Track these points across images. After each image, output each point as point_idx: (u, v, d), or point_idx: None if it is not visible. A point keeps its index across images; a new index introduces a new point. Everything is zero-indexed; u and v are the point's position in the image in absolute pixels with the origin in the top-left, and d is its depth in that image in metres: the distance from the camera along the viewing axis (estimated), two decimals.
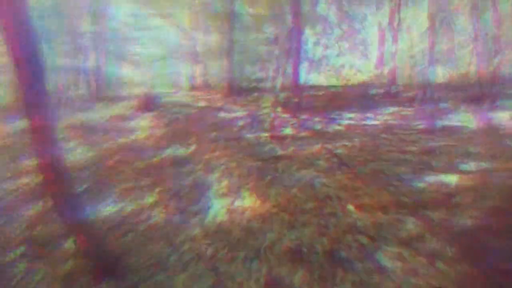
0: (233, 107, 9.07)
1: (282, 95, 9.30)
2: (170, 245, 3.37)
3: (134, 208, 4.15)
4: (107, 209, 4.21)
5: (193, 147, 6.22)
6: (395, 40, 14.91)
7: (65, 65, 12.90)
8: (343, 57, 15.10)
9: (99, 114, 9.25)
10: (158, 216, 3.94)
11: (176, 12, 15.15)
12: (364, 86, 12.43)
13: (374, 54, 16.04)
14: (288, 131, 7.13)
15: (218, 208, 4.04)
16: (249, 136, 6.85)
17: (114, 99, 11.31)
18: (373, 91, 11.08)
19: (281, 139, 6.56)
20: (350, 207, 3.98)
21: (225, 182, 4.69)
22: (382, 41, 15.55)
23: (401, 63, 14.36)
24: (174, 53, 16.53)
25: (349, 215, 3.80)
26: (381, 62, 15.66)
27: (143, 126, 7.75)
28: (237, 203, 4.15)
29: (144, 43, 16.37)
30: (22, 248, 3.52)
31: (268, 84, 11.91)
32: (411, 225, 3.48)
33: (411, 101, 9.31)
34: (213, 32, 15.29)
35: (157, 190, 4.55)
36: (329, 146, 6.13)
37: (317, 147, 6.08)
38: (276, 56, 13.51)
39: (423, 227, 3.41)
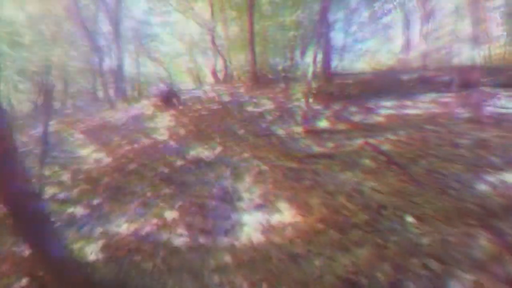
0: (261, 100, 8.30)
1: (313, 84, 8.45)
2: (195, 278, 2.68)
3: (152, 228, 3.50)
4: (121, 229, 3.58)
5: (219, 148, 5.53)
6: (425, 20, 13.72)
7: (84, 66, 12.64)
8: (368, 42, 14.14)
9: (119, 114, 8.76)
10: (180, 238, 3.27)
11: (195, 5, 14.57)
12: (393, 71, 11.37)
13: (399, 37, 14.97)
14: (323, 123, 6.31)
15: (252, 226, 3.32)
16: (281, 131, 6.08)
17: (135, 98, 10.87)
18: (405, 76, 10.00)
19: (317, 133, 5.75)
20: (410, 218, 3.19)
21: (258, 190, 3.97)
22: (407, 23, 14.41)
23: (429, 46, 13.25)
24: (195, 47, 15.99)
25: (410, 230, 3.01)
26: (407, 45, 14.53)
27: (165, 125, 7.14)
28: (275, 217, 3.42)
29: (164, 39, 15.91)
30: None
31: (295, 73, 11.10)
32: (484, 241, 2.73)
33: (447, 86, 8.23)
34: (233, 23, 14.61)
35: (179, 203, 3.88)
36: (372, 140, 5.29)
37: (359, 142, 5.25)
38: (302, 44, 12.67)
39: (499, 244, 2.65)
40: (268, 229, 3.25)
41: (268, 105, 7.84)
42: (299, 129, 6.03)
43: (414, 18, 14.52)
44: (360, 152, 4.90)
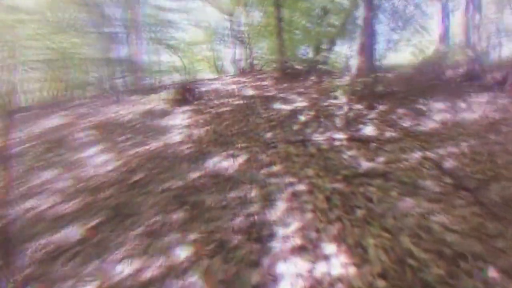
0: (290, 96, 7.31)
1: (352, 79, 7.42)
2: None
3: (158, 272, 2.64)
4: (117, 268, 2.75)
5: (242, 156, 4.62)
6: (468, 8, 12.29)
7: (96, 54, 11.95)
8: (401, 33, 12.85)
9: (132, 109, 7.97)
10: None
11: None
12: (434, 65, 10.13)
13: (436, 27, 13.56)
14: (369, 129, 5.28)
15: (289, 279, 2.42)
16: (318, 137, 5.12)
17: (151, 90, 10.07)
18: (449, 72, 8.80)
19: (363, 142, 4.75)
20: (494, 274, 2.29)
21: (294, 222, 3.04)
22: (444, 12, 13.00)
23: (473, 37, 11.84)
24: (213, 35, 15.10)
25: None
26: (446, 36, 13.11)
27: (179, 124, 6.27)
28: (319, 267, 2.51)
29: (181, 26, 15.02)
30: None
31: (328, 65, 10.08)
32: None
33: (501, 84, 7.04)
34: (257, 9, 13.65)
35: (191, 235, 3.01)
36: (431, 154, 4.29)
37: (416, 156, 4.25)
38: (338, 32, 11.57)
39: None
40: (312, 286, 2.35)
41: (299, 102, 6.84)
42: (340, 136, 5.04)
43: (454, 5, 13.12)
44: (419, 170, 3.91)
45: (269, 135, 5.28)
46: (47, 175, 5.12)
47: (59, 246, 3.26)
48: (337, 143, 4.86)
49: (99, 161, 5.29)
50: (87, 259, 2.94)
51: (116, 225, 3.40)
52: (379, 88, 6.58)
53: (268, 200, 3.43)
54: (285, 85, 8.64)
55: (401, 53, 13.71)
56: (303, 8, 12.25)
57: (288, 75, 9.70)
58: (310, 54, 11.97)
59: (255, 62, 13.75)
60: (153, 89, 10.21)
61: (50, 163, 5.56)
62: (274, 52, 11.57)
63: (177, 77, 12.43)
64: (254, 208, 3.33)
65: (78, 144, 6.27)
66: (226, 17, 14.09)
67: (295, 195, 3.49)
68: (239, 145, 4.94)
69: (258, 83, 9.25)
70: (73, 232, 3.46)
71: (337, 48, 12.59)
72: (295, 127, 5.62)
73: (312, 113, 6.19)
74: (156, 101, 7.94)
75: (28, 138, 7.27)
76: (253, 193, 3.61)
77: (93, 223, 3.59)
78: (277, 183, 3.77)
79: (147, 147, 5.41)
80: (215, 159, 4.62)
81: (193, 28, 15.36)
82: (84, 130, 7.04)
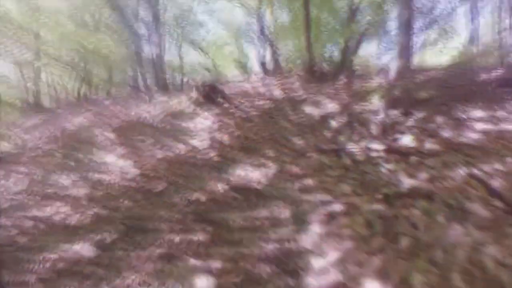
0: (320, 99, 6.82)
1: (389, 82, 6.84)
2: None
3: None
4: None
5: (272, 167, 4.21)
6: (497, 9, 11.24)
7: (125, 54, 11.84)
8: (429, 33, 11.99)
9: (155, 110, 7.71)
10: None
11: None
12: (466, 69, 9.30)
13: (463, 29, 12.60)
14: (408, 139, 4.73)
15: None
16: (352, 146, 4.62)
17: (175, 90, 9.86)
18: (483, 76, 7.99)
19: (403, 155, 4.22)
20: None
21: (332, 252, 2.61)
22: (473, 12, 11.98)
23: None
24: (241, 35, 14.74)
25: None
26: (473, 38, 12.07)
27: (205, 128, 5.93)
28: None
29: (208, 27, 14.77)
30: None
31: (359, 66, 9.49)
32: None
33: None
34: (284, 7, 13.16)
35: (215, 263, 2.63)
36: (477, 171, 3.71)
37: (461, 173, 3.69)
38: (366, 32, 10.96)
39: None
40: None
41: (330, 106, 6.36)
42: (377, 146, 4.53)
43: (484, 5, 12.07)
44: (466, 190, 3.37)
45: (299, 141, 4.85)
46: (64, 180, 4.91)
47: (67, 263, 2.97)
48: (373, 154, 4.36)
49: (119, 166, 5.03)
50: (95, 282, 2.62)
51: (130, 243, 3.09)
52: (417, 93, 5.98)
53: (301, 222, 3.00)
54: (314, 86, 8.15)
55: (429, 54, 12.89)
56: (332, 6, 11.68)
57: (317, 75, 9.19)
58: (337, 54, 11.39)
59: (282, 61, 13.29)
60: (181, 89, 9.99)
61: (69, 167, 5.36)
62: (302, 52, 11.07)
63: (204, 76, 12.17)
64: (285, 231, 2.92)
65: (100, 146, 6.06)
66: (253, 16, 13.70)
67: (331, 216, 3.05)
68: (268, 153, 4.53)
69: (286, 83, 8.79)
70: (84, 248, 3.17)
71: (365, 47, 11.98)
72: (327, 134, 5.15)
73: (345, 118, 5.69)
74: (184, 102, 7.63)
75: (50, 139, 7.16)
76: (284, 212, 3.19)
77: (105, 239, 3.29)
78: (310, 201, 3.34)
79: (171, 152, 5.10)
80: (243, 168, 4.26)
81: (220, 27, 15.10)
82: (108, 131, 6.83)
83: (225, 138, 5.24)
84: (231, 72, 14.14)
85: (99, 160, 5.37)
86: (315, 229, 2.92)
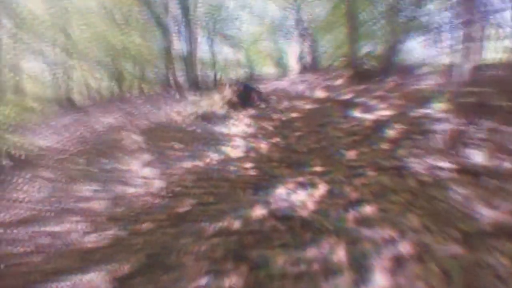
0: (369, 101, 5.98)
1: (453, 85, 5.87)
2: None
3: None
4: None
5: (321, 186, 3.48)
6: None
7: (156, 52, 11.47)
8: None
9: (186, 110, 7.17)
10: None
11: None
12: None
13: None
14: (481, 156, 3.81)
15: None
16: (415, 163, 3.79)
17: (207, 88, 9.31)
18: None
19: (477, 177, 3.34)
20: None
21: None
22: None
23: None
24: (277, 30, 13.98)
25: None
26: None
27: (243, 132, 5.27)
28: None
29: (242, 22, 14.09)
30: None
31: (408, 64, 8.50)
32: None
33: None
34: (323, 1, 12.30)
35: None
36: None
37: None
38: (412, 27, 9.88)
39: None
40: None
41: (382, 109, 5.51)
42: (446, 164, 3.67)
43: None
44: None
45: (352, 154, 4.08)
46: (86, 190, 4.42)
47: None
48: (442, 174, 3.52)
49: (144, 176, 4.47)
50: None
51: (149, 279, 2.48)
52: (489, 98, 5.01)
53: (360, 268, 2.27)
54: (360, 86, 7.30)
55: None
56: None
57: (361, 74, 8.30)
58: (383, 49, 10.36)
59: (321, 57, 12.47)
60: (214, 87, 9.44)
61: (92, 175, 4.89)
62: (343, 47, 10.23)
63: (238, 74, 11.64)
64: (341, 281, 2.19)
65: (127, 151, 5.56)
66: (289, 9, 12.98)
67: (398, 262, 2.29)
68: (315, 168, 3.80)
69: (329, 83, 8.01)
70: (99, 278, 2.62)
71: (415, 43, 10.85)
72: (384, 146, 4.34)
73: (402, 126, 4.84)
74: (217, 102, 7.02)
75: (78, 140, 6.79)
76: (338, 252, 2.47)
77: (121, 270, 2.71)
78: (371, 237, 2.58)
79: (201, 161, 4.48)
80: (285, 187, 3.54)
81: (256, 22, 14.41)
82: (136, 134, 6.37)
83: (263, 146, 4.54)
84: (266, 69, 13.51)
85: (124, 168, 4.86)
86: (380, 279, 2.19)
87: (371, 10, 10.96)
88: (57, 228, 3.77)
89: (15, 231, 3.88)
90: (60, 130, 8.79)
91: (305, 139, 4.57)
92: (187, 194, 3.72)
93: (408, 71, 8.70)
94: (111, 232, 3.41)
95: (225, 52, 13.91)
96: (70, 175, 5.06)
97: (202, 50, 12.76)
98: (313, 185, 3.49)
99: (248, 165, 4.06)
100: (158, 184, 4.10)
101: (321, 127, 4.99)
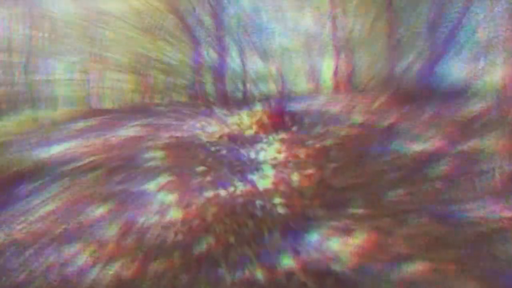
0: (416, 128, 5.30)
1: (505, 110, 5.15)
2: None
3: None
4: None
5: (363, 234, 2.86)
6: None
7: (185, 61, 11.19)
8: None
9: (212, 126, 6.72)
10: None
11: None
12: None
13: None
14: None
15: None
16: (471, 209, 3.11)
17: (236, 102, 8.85)
18: None
19: None
20: None
21: None
22: None
23: None
24: (311, 43, 13.47)
25: None
26: None
27: (267, 159, 4.73)
28: None
29: (275, 33, 13.67)
30: None
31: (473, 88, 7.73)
32: None
33: None
34: (362, 14, 11.70)
35: None
36: None
37: None
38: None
39: None
40: None
41: (428, 139, 4.82)
42: (506, 212, 3.00)
43: None
44: None
45: (398, 195, 3.45)
46: (90, 212, 3.99)
47: None
48: (506, 224, 2.86)
49: (159, 200, 4.00)
50: None
51: None
52: None
53: None
54: (402, 110, 6.61)
55: None
56: (419, 11, 10.00)
57: (402, 95, 7.60)
58: (422, 68, 9.62)
59: (358, 75, 11.83)
60: (243, 102, 9.01)
61: (104, 194, 4.46)
62: (381, 65, 9.60)
63: (269, 89, 11.18)
64: None
65: (144, 169, 5.14)
66: (324, 22, 12.49)
67: None
68: (355, 211, 3.20)
69: (367, 104, 7.36)
70: None
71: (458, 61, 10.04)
72: (434, 185, 3.68)
73: (453, 161, 4.16)
74: (245, 120, 6.51)
75: (96, 149, 6.46)
76: None
77: None
78: None
79: (224, 189, 3.96)
80: (320, 233, 2.96)
81: (289, 34, 13.96)
82: (156, 149, 5.95)
83: (296, 178, 3.97)
84: (298, 85, 12.96)
85: (138, 189, 4.42)
86: None
87: (414, 25, 10.30)
88: (54, 256, 3.35)
89: (7, 253, 3.48)
90: (77, 135, 8.56)
91: (342, 172, 3.98)
92: (205, 229, 3.20)
93: (453, 92, 7.92)
94: (114, 269, 2.94)
95: (256, 65, 13.51)
96: (78, 191, 4.66)
97: (232, 62, 12.41)
98: (352, 232, 2.89)
99: (277, 200, 3.50)
100: (174, 214, 3.61)
101: (360, 158, 4.39)
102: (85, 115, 11.21)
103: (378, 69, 10.66)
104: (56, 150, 7.23)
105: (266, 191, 3.74)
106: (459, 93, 7.70)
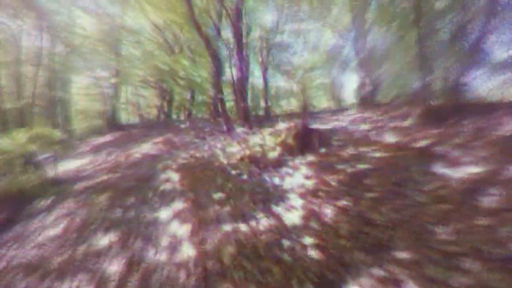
0: (449, 151, 4.69)
1: None
2: None
3: None
4: None
5: (409, 284, 2.36)
6: None
7: (204, 77, 10.94)
8: None
9: (232, 146, 6.30)
10: None
11: (331, 11, 11.86)
12: None
13: None
14: None
15: None
16: None
17: (258, 120, 8.43)
18: None
19: None
20: None
21: None
22: None
23: None
24: (332, 60, 13.03)
25: None
26: None
27: (293, 186, 4.24)
28: None
29: (295, 49, 13.31)
30: None
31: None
32: None
33: None
34: (386, 27, 11.23)
35: None
36: None
37: None
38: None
39: None
40: None
41: (469, 164, 4.20)
42: None
43: None
44: None
45: (444, 233, 2.90)
46: (98, 241, 3.60)
47: None
48: None
49: (172, 232, 3.57)
50: None
51: None
52: None
53: None
54: (434, 129, 6.01)
55: None
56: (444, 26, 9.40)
57: (431, 112, 6.98)
58: (452, 84, 8.92)
59: (383, 91, 11.28)
60: (267, 120, 8.58)
61: (113, 220, 4.07)
62: (407, 80, 9.07)
63: (293, 105, 10.75)
64: None
65: (157, 191, 4.74)
66: (346, 37, 12.11)
67: None
68: (399, 255, 2.67)
69: (396, 123, 6.81)
70: None
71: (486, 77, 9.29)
72: (482, 221, 3.10)
73: (500, 191, 3.56)
74: (268, 141, 6.04)
75: (111, 166, 6.12)
76: None
77: None
78: None
79: (245, 223, 3.49)
80: (359, 283, 2.44)
81: (311, 50, 13.60)
82: (172, 169, 5.56)
83: (329, 212, 3.47)
84: (321, 102, 12.51)
85: (151, 216, 4.00)
86: None
87: (442, 39, 9.69)
88: None
89: (8, 278, 3.12)
90: (95, 150, 8.30)
91: (380, 204, 3.45)
92: (223, 275, 2.73)
93: (485, 109, 7.23)
94: None
95: (278, 81, 13.16)
96: (88, 215, 4.29)
97: (254, 79, 12.13)
98: (399, 285, 2.37)
99: (308, 240, 3.00)
100: (187, 250, 3.16)
101: (398, 187, 3.84)
102: (104, 131, 11.06)
103: (403, 84, 10.11)
104: (69, 166, 6.97)
105: (295, 228, 3.24)
106: (492, 107, 7.01)
